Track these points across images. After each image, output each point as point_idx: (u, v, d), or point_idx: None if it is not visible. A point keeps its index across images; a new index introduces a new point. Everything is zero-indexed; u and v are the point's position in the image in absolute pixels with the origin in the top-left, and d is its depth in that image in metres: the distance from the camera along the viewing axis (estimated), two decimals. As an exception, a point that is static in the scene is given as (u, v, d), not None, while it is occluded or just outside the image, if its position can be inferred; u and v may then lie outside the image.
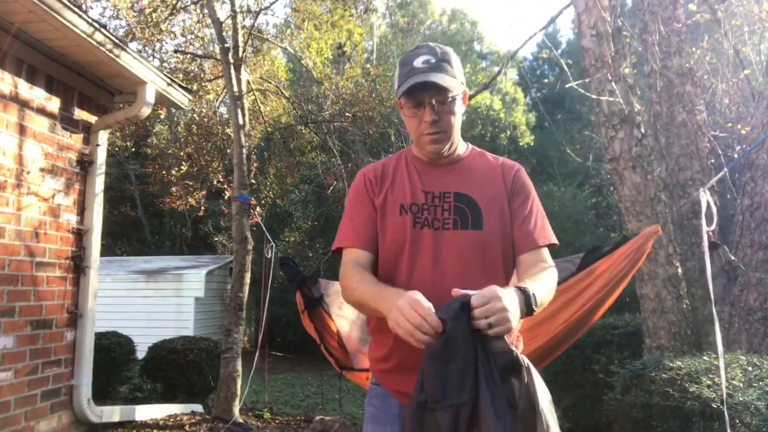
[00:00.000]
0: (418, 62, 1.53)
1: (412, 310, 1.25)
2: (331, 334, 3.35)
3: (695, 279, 4.28)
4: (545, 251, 1.59)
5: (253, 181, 6.45)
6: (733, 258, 3.94)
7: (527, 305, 1.31)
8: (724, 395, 2.50)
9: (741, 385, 2.74)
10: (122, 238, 17.35)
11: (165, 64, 7.40)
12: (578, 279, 2.98)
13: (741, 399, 2.61)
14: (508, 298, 1.24)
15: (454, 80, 1.53)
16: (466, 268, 1.51)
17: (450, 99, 1.53)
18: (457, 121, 1.59)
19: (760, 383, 2.77)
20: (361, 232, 1.60)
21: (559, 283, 3.01)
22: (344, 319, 3.32)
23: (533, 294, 1.33)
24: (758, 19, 4.97)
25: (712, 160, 4.79)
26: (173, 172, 8.36)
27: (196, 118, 8.48)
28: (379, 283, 1.49)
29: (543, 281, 1.46)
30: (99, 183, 4.01)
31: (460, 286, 1.31)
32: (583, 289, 2.97)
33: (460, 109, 1.59)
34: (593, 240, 12.48)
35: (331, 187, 11.57)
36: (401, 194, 1.61)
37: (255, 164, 6.82)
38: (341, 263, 1.62)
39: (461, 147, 1.67)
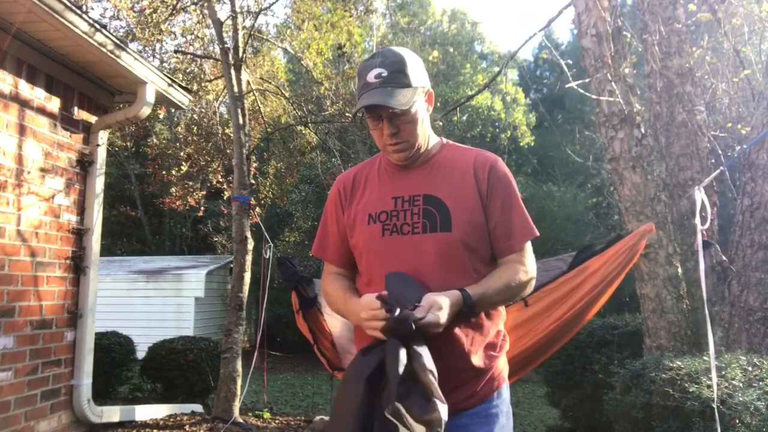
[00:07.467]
0: (371, 76, 1.52)
1: (367, 315, 1.43)
2: (324, 335, 3.35)
3: (695, 279, 4.27)
4: (522, 250, 1.61)
5: (253, 181, 6.43)
6: (724, 258, 3.93)
7: (466, 304, 1.45)
8: (715, 395, 2.50)
9: (741, 385, 2.74)
10: (122, 238, 17.36)
11: (165, 65, 7.39)
12: (569, 277, 2.99)
13: (741, 399, 2.60)
14: (444, 303, 1.40)
15: (408, 91, 1.50)
16: (436, 271, 1.51)
17: (405, 112, 1.52)
18: (421, 125, 1.58)
19: (760, 383, 2.76)
20: (333, 251, 1.71)
21: (549, 282, 3.03)
22: (335, 318, 3.32)
23: (469, 295, 1.47)
24: (758, 19, 4.97)
25: (712, 160, 4.78)
26: (173, 172, 8.35)
27: (196, 118, 8.47)
28: (346, 293, 1.64)
29: (490, 280, 1.54)
30: (99, 183, 4.01)
31: (430, 289, 1.47)
32: (575, 287, 2.97)
33: (422, 112, 1.58)
34: (593, 240, 12.47)
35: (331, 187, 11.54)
36: (370, 203, 1.62)
37: (254, 164, 6.80)
38: (323, 272, 1.77)
39: (432, 143, 1.66)
